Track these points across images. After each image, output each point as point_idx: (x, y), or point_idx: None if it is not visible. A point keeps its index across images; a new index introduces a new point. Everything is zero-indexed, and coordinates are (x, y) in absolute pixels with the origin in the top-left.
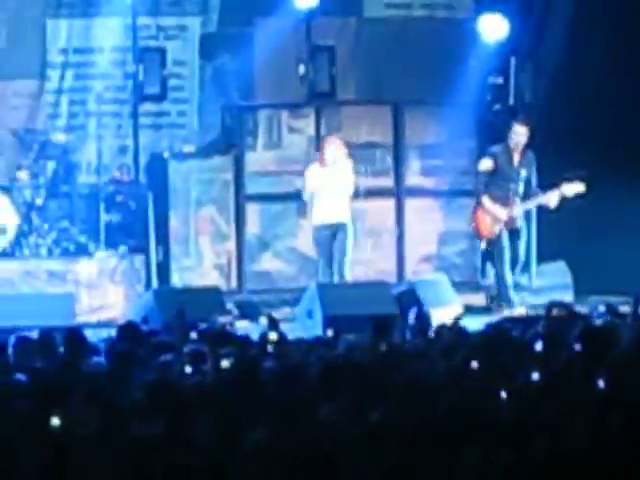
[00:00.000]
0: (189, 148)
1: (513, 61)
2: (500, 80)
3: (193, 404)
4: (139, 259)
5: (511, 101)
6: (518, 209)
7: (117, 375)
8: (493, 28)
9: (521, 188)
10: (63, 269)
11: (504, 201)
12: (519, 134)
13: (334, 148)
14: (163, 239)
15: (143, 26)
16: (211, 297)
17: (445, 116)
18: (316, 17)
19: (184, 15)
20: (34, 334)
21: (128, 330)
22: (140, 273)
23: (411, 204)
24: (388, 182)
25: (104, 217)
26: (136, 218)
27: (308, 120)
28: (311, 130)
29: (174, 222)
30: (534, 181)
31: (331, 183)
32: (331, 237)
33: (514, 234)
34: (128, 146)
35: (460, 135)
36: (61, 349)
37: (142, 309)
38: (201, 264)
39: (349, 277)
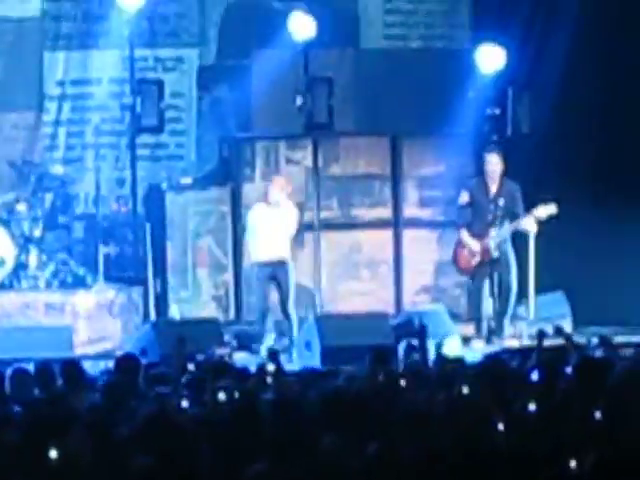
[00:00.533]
0: (187, 180)
1: (510, 92)
2: (497, 111)
3: (191, 436)
4: (137, 291)
5: (509, 132)
6: (492, 239)
7: (114, 407)
8: (490, 59)
9: (499, 218)
10: (61, 301)
11: (480, 232)
12: (492, 163)
13: (278, 188)
14: (161, 271)
15: (140, 58)
16: (209, 328)
17: (443, 147)
18: (313, 49)
19: (182, 47)
20: (31, 366)
21: (126, 362)
22: (138, 305)
23: (409, 235)
24: (386, 213)
25: (102, 249)
26: (134, 250)
27: (306, 151)
28: (309, 161)
29: (172, 254)
30: (518, 210)
31: (273, 222)
32: (269, 276)
33: (494, 264)
34: (126, 178)
35: (458, 166)
36: (59, 381)
37: (140, 341)
38: (199, 295)
39: (294, 315)
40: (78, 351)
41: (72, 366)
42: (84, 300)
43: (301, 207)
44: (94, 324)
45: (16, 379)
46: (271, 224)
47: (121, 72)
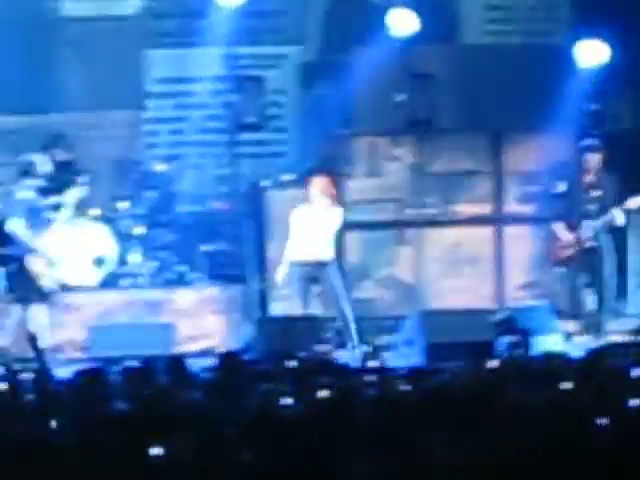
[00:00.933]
0: (288, 177)
1: (611, 87)
2: (598, 106)
3: (291, 434)
4: (238, 288)
5: (608, 127)
6: (585, 231)
7: (217, 404)
8: (591, 54)
9: (594, 210)
10: (163, 299)
11: (574, 224)
12: (590, 157)
13: (318, 189)
14: (262, 268)
15: (241, 55)
16: (310, 326)
17: (543, 142)
18: (414, 45)
19: (283, 44)
20: (135, 363)
21: (228, 359)
22: (239, 302)
23: (510, 231)
24: (487, 209)
25: (203, 247)
26: (235, 247)
27: (407, 148)
28: (410, 158)
29: (273, 251)
30: (613, 203)
31: (313, 221)
32: (310, 276)
33: (589, 257)
34: (227, 175)
35: (558, 161)
36: (162, 378)
37: (242, 338)
38: None
39: (349, 315)
40: (180, 349)
41: (177, 363)
42: (186, 298)
43: (402, 204)
44: (196, 321)
45: (121, 377)
46: (311, 225)
47: (222, 69)
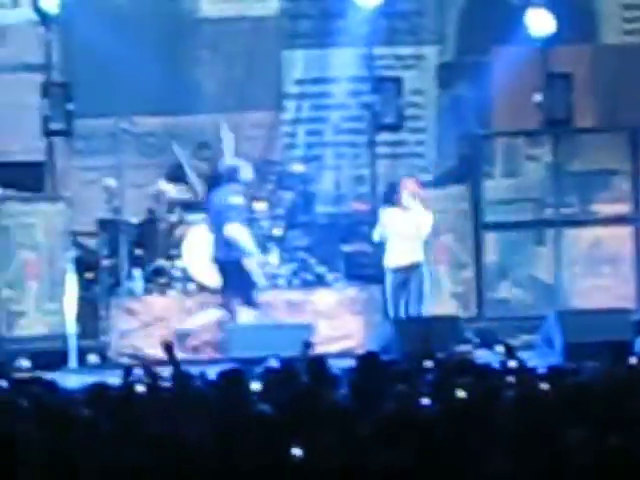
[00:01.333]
0: (427, 177)
1: None
2: None
3: (429, 434)
4: (378, 289)
5: None
6: None
7: (357, 405)
8: None
9: None
10: (302, 299)
11: None
12: None
13: (409, 191)
14: None
15: (379, 56)
16: (450, 326)
17: None
18: (553, 45)
19: (421, 44)
20: (274, 363)
21: (368, 360)
22: (379, 303)
23: None
24: (626, 208)
25: (342, 247)
26: (374, 248)
27: (545, 148)
28: (548, 158)
29: None
30: None
31: (405, 225)
32: (404, 281)
33: None
34: (365, 176)
35: None
36: (303, 379)
37: (381, 339)
38: (439, 292)
39: None
40: (319, 349)
41: (318, 364)
42: (325, 298)
43: (540, 204)
44: (335, 322)
45: (263, 377)
46: (404, 228)
47: (360, 70)
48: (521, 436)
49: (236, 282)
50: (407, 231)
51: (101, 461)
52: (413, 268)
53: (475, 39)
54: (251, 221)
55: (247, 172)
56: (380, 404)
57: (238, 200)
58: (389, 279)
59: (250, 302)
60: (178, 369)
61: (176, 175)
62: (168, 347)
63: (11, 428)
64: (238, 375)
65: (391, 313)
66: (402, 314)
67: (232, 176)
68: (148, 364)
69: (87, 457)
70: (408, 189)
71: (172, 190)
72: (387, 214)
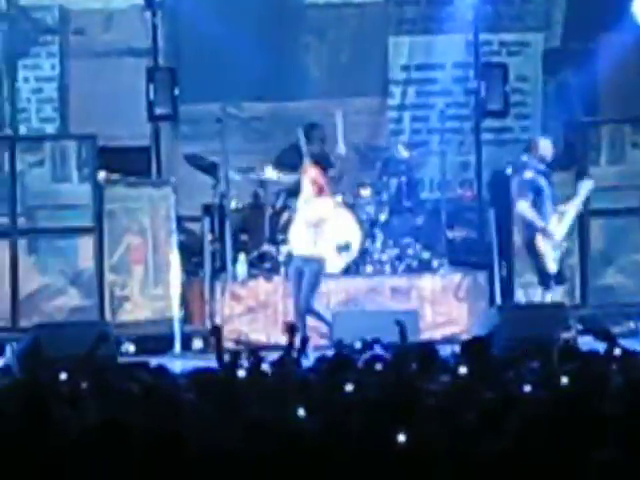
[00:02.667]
0: None
1: None
2: None
3: (531, 421)
4: (483, 275)
5: None
6: None
7: (462, 391)
8: None
9: None
10: (407, 285)
11: None
12: None
13: (307, 176)
14: (506, 255)
15: (485, 42)
16: (555, 313)
17: None
18: None
19: (526, 31)
20: (379, 350)
21: (472, 347)
22: (484, 289)
23: None
24: None
25: (447, 233)
26: (479, 234)
27: None
28: None
29: (517, 238)
30: None
31: (302, 212)
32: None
33: None
34: (470, 162)
35: None
36: (409, 364)
37: (486, 325)
38: None
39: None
40: (424, 335)
41: (428, 350)
42: (430, 284)
43: None
44: (440, 308)
45: (369, 363)
46: (302, 215)
47: (465, 56)
48: (631, 423)
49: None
50: (305, 218)
51: (207, 446)
52: (307, 258)
53: (581, 26)
54: (356, 206)
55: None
56: (484, 390)
57: (531, 175)
58: (290, 266)
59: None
60: (290, 352)
61: (284, 161)
62: (291, 328)
63: (121, 414)
64: (344, 361)
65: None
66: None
67: None
68: (253, 348)
69: (193, 441)
70: (308, 175)
71: (279, 176)
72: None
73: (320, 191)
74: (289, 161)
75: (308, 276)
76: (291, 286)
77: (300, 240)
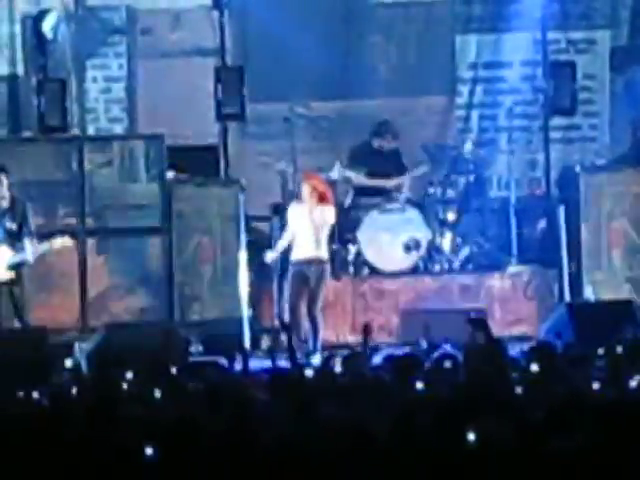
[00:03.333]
0: (601, 161)
1: None
2: None
3: (601, 419)
4: (552, 273)
5: None
6: None
7: (531, 389)
8: None
9: None
10: (476, 283)
11: None
12: None
13: (307, 185)
14: (575, 252)
15: (552, 40)
16: (623, 310)
17: None
18: None
19: (594, 29)
20: (449, 348)
21: (541, 344)
22: (553, 287)
23: None
24: None
25: (516, 231)
26: (548, 232)
27: None
28: None
29: (586, 235)
30: None
31: (303, 220)
32: (303, 276)
33: None
34: (539, 160)
35: None
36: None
37: (555, 323)
38: (614, 277)
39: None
40: (494, 334)
41: (497, 348)
42: (499, 282)
43: None
44: (509, 306)
45: (439, 362)
46: (302, 223)
47: (533, 54)
48: None
49: None
50: (305, 226)
51: (278, 445)
52: (311, 263)
53: None
54: (425, 205)
55: None
56: (553, 388)
57: None
58: (289, 273)
59: None
60: (365, 352)
61: (354, 159)
62: (367, 329)
63: (186, 413)
64: (413, 360)
65: (289, 306)
66: (300, 308)
67: None
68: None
69: (264, 440)
70: (308, 183)
71: (349, 175)
72: (291, 209)
73: (321, 199)
74: (359, 159)
75: (314, 281)
76: (289, 290)
77: (303, 245)
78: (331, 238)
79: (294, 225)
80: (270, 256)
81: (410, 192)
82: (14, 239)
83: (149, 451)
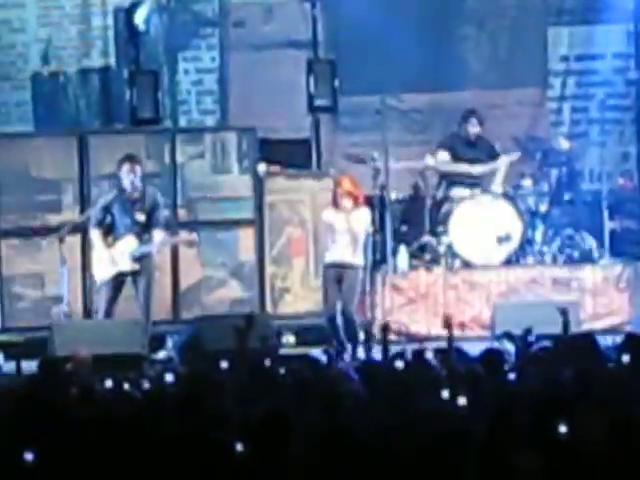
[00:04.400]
0: None
1: None
2: None
3: None
4: None
5: None
6: None
7: (629, 383)
8: None
9: None
10: (568, 276)
11: None
12: None
13: (341, 189)
14: None
15: None
16: None
17: None
18: None
19: None
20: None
21: (633, 338)
22: None
23: None
24: None
25: (608, 224)
26: None
27: None
28: None
29: None
30: None
31: (338, 224)
32: (337, 278)
33: None
34: (631, 153)
35: None
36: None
37: None
38: None
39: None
40: (585, 326)
41: (589, 340)
42: (591, 275)
43: None
44: (601, 299)
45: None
46: (337, 227)
47: (625, 47)
48: None
49: None
50: (339, 230)
51: (372, 438)
52: (345, 267)
53: None
54: (517, 197)
55: None
56: None
57: None
58: (323, 275)
59: None
60: (451, 345)
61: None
62: (447, 321)
63: (277, 406)
64: (500, 354)
65: (326, 308)
66: (337, 311)
67: None
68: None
69: (357, 434)
70: (342, 187)
71: (443, 162)
72: (325, 213)
73: (356, 201)
74: (449, 147)
75: (350, 284)
76: (325, 292)
77: (339, 250)
78: (422, 230)
79: (331, 229)
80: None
81: (504, 183)
82: (142, 230)
83: (239, 447)
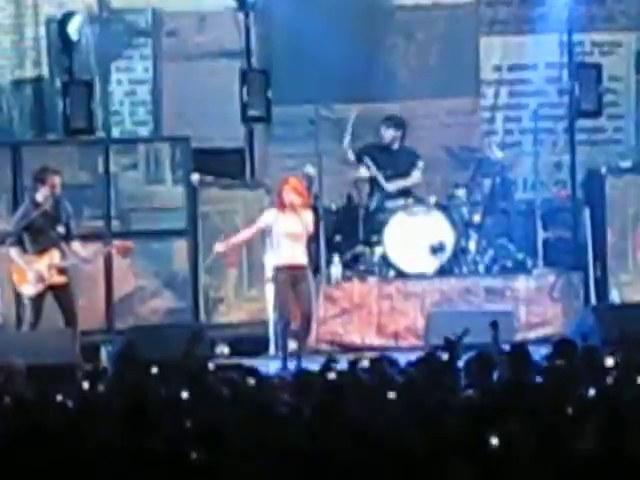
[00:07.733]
0: (626, 163)
1: None
2: None
3: (627, 420)
4: (577, 275)
5: None
6: None
7: (553, 392)
8: None
9: None
10: (501, 286)
11: None
12: None
13: (288, 188)
14: (601, 255)
15: (578, 42)
16: None
17: None
18: None
19: (619, 31)
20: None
21: (564, 347)
22: (578, 289)
23: None
24: None
25: (541, 234)
26: (573, 234)
27: None
28: None
29: (611, 238)
30: None
31: (284, 225)
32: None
33: None
34: (564, 162)
35: None
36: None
37: (581, 326)
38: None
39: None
40: (519, 336)
41: (519, 351)
42: (524, 285)
43: None
44: (534, 308)
45: (472, 365)
46: (285, 228)
47: (558, 57)
48: None
49: None
50: (285, 231)
51: (303, 447)
52: (298, 269)
53: None
54: (449, 207)
55: None
56: (575, 391)
57: None
58: (274, 279)
59: None
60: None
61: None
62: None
63: (214, 416)
64: (438, 362)
65: (277, 312)
66: (289, 315)
67: None
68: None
69: (289, 444)
70: (289, 184)
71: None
72: (267, 215)
73: (304, 199)
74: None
75: (307, 286)
76: (280, 297)
77: (286, 250)
78: (356, 240)
79: (274, 230)
80: (219, 247)
81: (437, 195)
82: (62, 242)
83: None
